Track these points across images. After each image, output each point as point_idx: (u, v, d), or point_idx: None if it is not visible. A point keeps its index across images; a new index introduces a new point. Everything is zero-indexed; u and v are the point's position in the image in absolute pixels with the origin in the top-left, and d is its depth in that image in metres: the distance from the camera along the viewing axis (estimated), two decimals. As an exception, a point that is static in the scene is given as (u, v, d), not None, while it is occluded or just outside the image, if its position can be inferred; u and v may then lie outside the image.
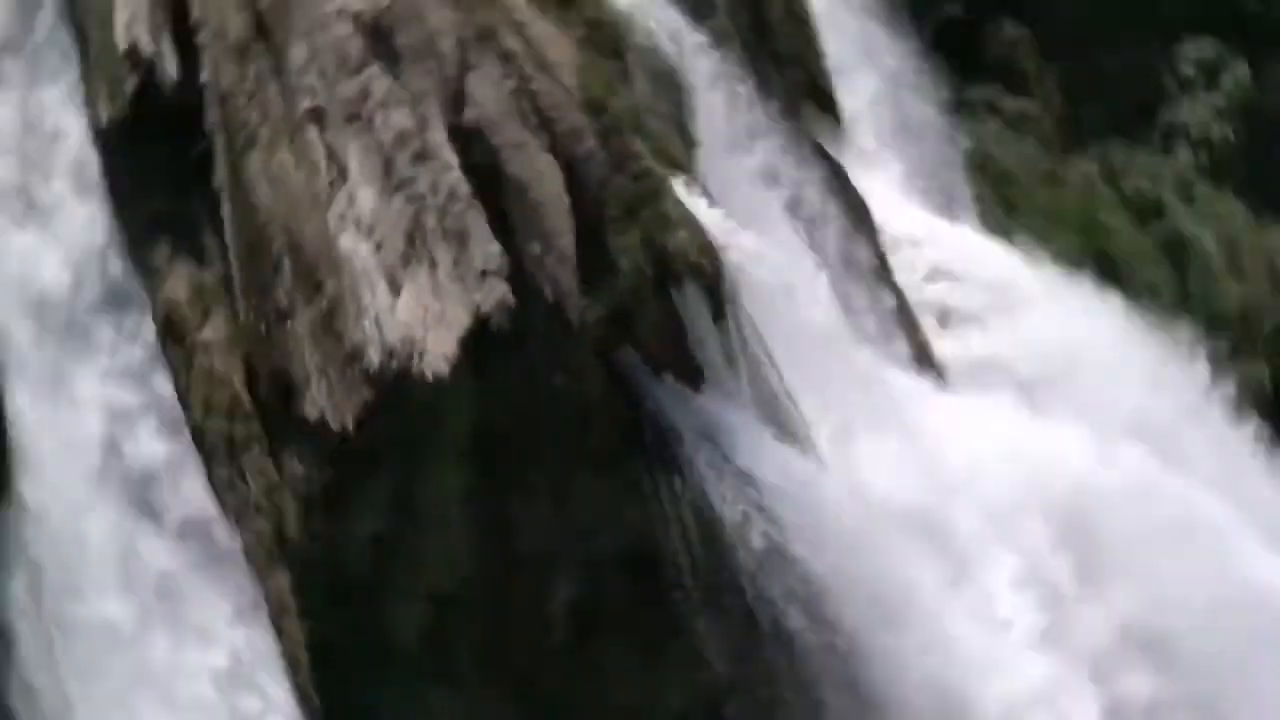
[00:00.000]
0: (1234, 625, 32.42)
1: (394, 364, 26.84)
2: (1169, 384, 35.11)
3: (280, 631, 27.35)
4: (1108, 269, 36.07)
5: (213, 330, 27.55)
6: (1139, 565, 31.91)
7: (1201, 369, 35.67)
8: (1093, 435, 32.46)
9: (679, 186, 29.85)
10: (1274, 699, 32.45)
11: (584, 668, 28.96)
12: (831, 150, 33.98)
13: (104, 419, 27.37)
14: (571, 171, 28.41)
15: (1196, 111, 37.47)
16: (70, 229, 27.54)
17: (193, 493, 27.64)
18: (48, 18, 27.89)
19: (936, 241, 34.72)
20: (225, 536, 27.65)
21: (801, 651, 29.10)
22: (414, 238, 27.29)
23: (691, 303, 29.52)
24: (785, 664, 29.17)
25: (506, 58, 28.61)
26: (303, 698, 27.26)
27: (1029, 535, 31.70)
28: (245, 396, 27.43)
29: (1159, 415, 33.93)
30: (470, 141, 27.91)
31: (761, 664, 29.22)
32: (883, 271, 33.48)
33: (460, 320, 27.14)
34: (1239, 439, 35.39)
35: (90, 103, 27.49)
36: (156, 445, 27.53)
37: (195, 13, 27.49)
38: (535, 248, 27.96)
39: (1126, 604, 31.75)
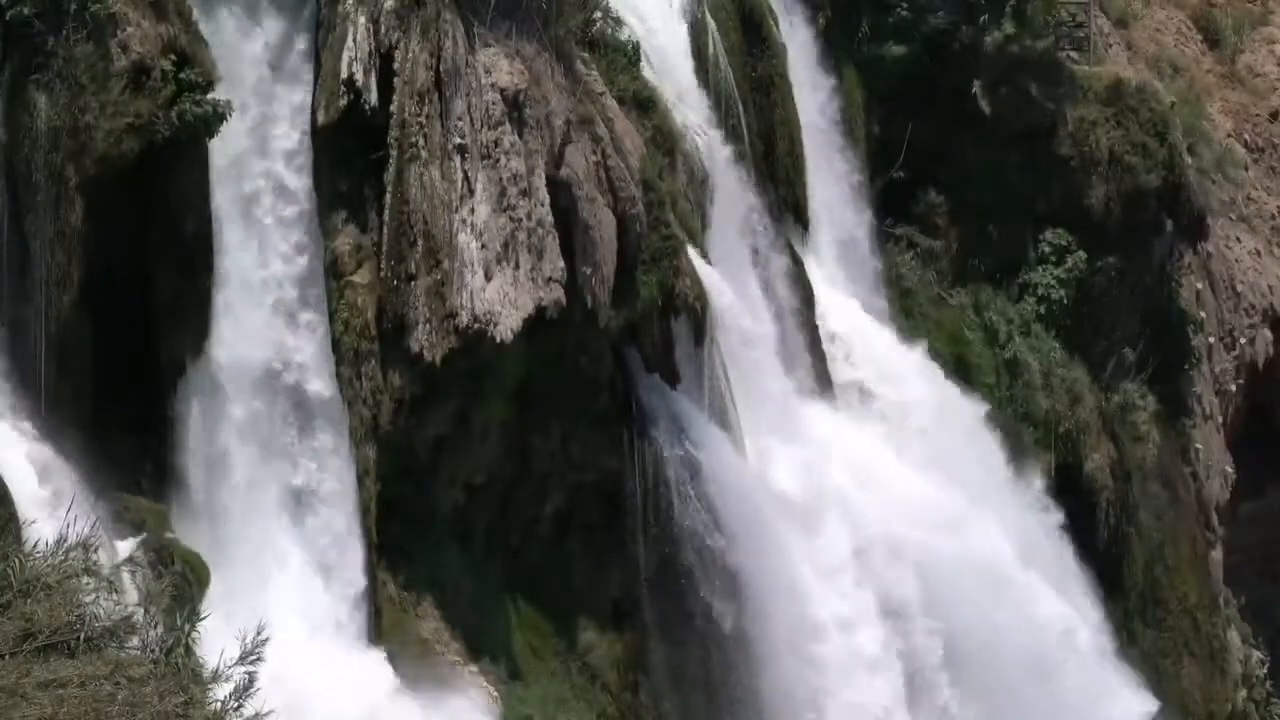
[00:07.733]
0: (1016, 645, 32.43)
1: (476, 326, 26.87)
2: (988, 453, 35.17)
3: (360, 485, 26.87)
4: (963, 370, 36.30)
5: (361, 276, 26.95)
6: (954, 592, 31.81)
7: (1010, 450, 35.73)
8: (929, 477, 32.65)
9: (691, 250, 30.24)
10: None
11: (556, 555, 29.20)
12: (798, 250, 33.69)
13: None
14: (622, 225, 28.70)
15: (1044, 278, 37.04)
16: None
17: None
18: (303, 41, 26.69)
19: (854, 324, 34.79)
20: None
21: (700, 570, 29.35)
22: (508, 246, 27.38)
23: (682, 329, 29.96)
24: (689, 575, 29.41)
25: (595, 139, 28.83)
26: (365, 532, 26.88)
27: (876, 550, 31.56)
28: (373, 325, 26.92)
29: (977, 473, 34.23)
30: (559, 190, 28.06)
31: (674, 574, 29.48)
32: (814, 334, 33.22)
33: (527, 307, 27.32)
34: (1027, 501, 35.37)
35: (314, 106, 26.60)
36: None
37: (396, 64, 26.93)
38: (587, 270, 28.21)
39: (944, 624, 31.58)
